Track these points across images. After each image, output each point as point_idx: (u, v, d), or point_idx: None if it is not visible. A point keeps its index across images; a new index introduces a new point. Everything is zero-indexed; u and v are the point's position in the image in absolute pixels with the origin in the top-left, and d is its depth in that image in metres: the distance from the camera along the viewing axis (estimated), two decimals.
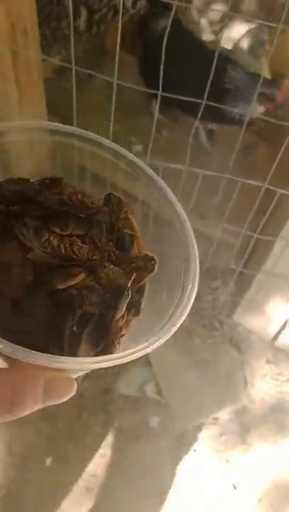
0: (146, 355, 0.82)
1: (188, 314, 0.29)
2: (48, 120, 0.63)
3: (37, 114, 0.93)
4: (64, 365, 0.25)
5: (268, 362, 1.30)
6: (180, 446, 1.18)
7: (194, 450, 1.18)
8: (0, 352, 0.24)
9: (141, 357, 0.27)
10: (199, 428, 1.20)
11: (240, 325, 1.32)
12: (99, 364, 0.26)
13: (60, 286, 0.29)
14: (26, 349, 0.24)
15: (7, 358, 0.27)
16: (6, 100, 0.85)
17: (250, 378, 1.27)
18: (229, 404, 1.23)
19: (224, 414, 1.23)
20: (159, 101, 0.86)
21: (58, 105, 0.96)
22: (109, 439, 1.16)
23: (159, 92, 0.84)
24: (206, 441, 1.19)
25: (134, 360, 0.27)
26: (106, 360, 0.26)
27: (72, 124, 0.45)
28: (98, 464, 1.14)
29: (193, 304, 0.29)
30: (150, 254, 0.33)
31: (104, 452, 1.15)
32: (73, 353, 0.28)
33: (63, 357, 0.25)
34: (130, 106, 1.24)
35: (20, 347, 0.24)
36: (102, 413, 1.18)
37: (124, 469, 1.14)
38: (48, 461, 1.13)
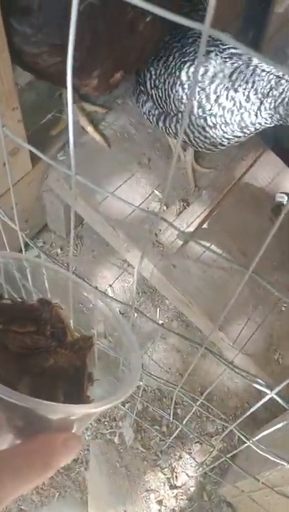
0: None
1: None
2: None
3: None
4: (81, 411, 0.33)
5: None
6: None
7: None
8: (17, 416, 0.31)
9: None
10: None
11: None
12: (103, 407, 0.34)
13: (47, 365, 0.37)
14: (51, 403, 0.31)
15: (18, 434, 0.33)
16: None
17: None
18: None
19: None
20: None
21: None
22: None
23: None
24: None
25: None
26: (108, 403, 0.34)
27: None
28: None
29: None
30: (86, 334, 0.43)
31: None
32: None
33: (78, 405, 0.33)
34: None
35: (50, 402, 0.31)
36: None
37: None
38: None
